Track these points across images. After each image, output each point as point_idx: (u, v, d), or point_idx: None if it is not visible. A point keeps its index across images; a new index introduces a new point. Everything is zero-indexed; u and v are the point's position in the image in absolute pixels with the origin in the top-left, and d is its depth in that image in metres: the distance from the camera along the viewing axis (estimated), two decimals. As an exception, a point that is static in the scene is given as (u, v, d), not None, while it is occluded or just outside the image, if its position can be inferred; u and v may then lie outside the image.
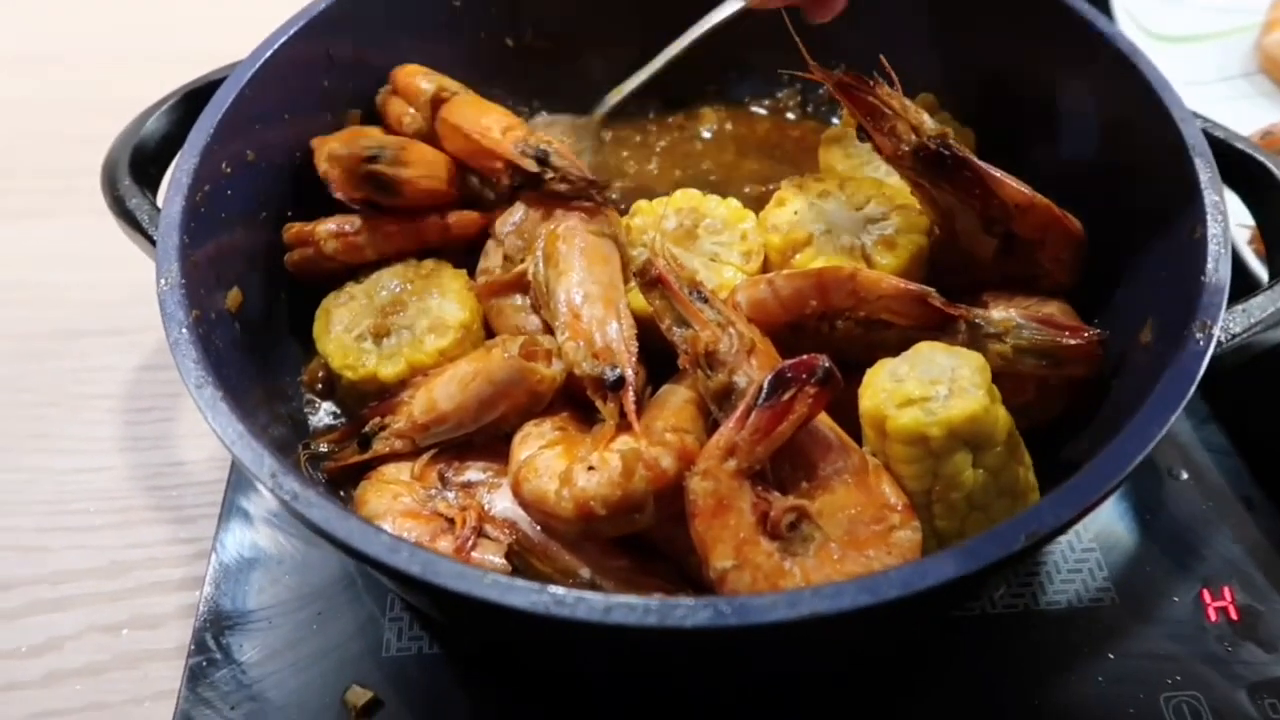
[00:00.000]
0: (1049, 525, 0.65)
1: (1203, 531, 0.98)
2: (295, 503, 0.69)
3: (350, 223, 1.06)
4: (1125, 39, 0.98)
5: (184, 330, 0.81)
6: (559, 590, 0.63)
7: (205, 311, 0.87)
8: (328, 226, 1.05)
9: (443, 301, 1.01)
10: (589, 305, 0.94)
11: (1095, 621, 0.91)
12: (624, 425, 0.86)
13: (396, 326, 0.99)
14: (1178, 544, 0.97)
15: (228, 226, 0.98)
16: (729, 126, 1.34)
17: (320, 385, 1.04)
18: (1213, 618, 0.92)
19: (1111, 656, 0.89)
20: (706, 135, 1.33)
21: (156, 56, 1.60)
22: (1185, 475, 1.02)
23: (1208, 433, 1.06)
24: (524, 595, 0.63)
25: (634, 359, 0.91)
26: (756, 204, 1.09)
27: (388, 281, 1.02)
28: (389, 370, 0.97)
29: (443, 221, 1.08)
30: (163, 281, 0.84)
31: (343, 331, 0.99)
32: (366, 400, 0.99)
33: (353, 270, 1.06)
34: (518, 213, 1.05)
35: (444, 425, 0.94)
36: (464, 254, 1.08)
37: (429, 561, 0.65)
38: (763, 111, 1.36)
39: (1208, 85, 1.36)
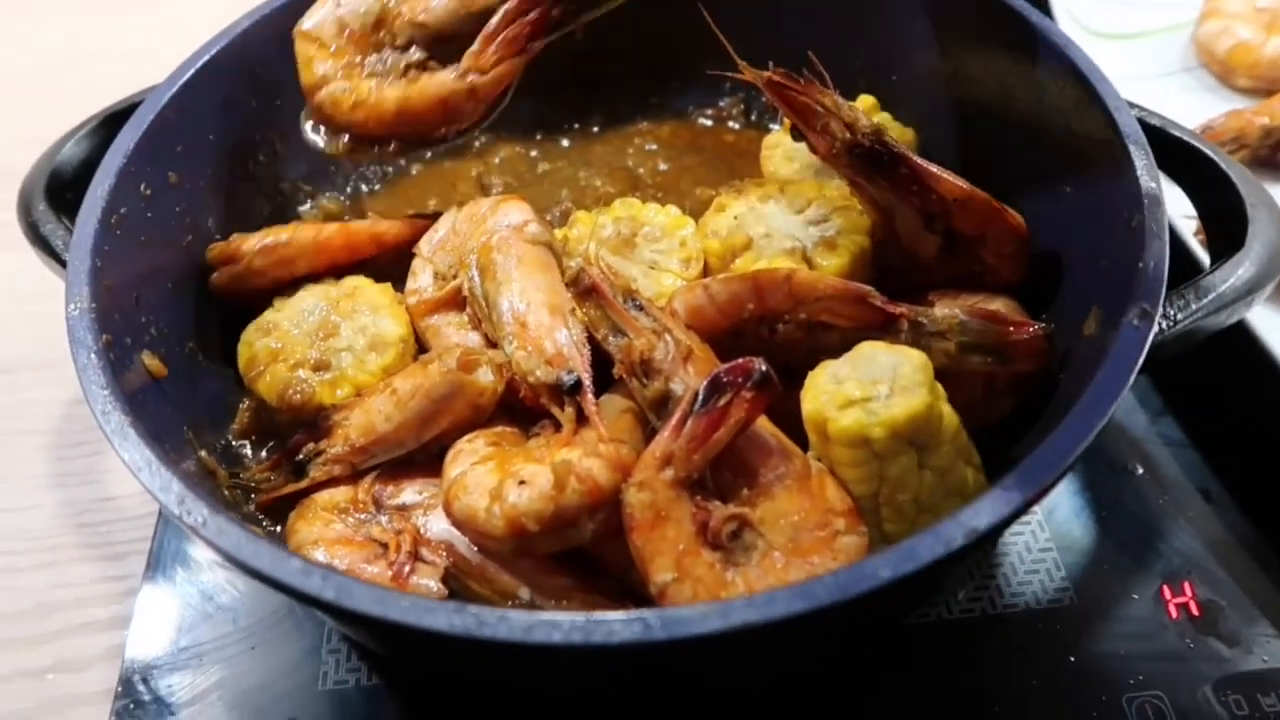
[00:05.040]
0: (988, 522, 0.62)
1: (1161, 527, 0.96)
2: (204, 529, 0.66)
3: (279, 235, 1.03)
4: (1059, 32, 0.98)
5: (92, 356, 0.78)
6: (480, 610, 0.60)
7: (119, 337, 0.83)
8: (256, 241, 1.02)
9: (376, 318, 0.98)
10: (534, 313, 0.92)
11: (1055, 623, 0.89)
12: (583, 427, 0.83)
13: (335, 350, 0.96)
14: (1136, 540, 0.95)
15: (147, 250, 0.95)
16: (674, 138, 1.33)
17: (255, 436, 0.99)
18: (1174, 614, 0.90)
19: (1072, 659, 0.87)
20: (651, 148, 1.31)
21: (77, 88, 1.56)
22: (1141, 470, 1.00)
23: (1163, 426, 1.04)
24: (444, 617, 0.60)
25: (587, 361, 0.88)
26: (704, 207, 1.07)
27: (310, 304, 0.98)
28: (335, 395, 0.94)
29: (374, 230, 1.07)
30: (72, 306, 0.81)
31: (276, 365, 0.95)
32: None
33: (282, 287, 1.03)
34: (443, 228, 1.02)
35: (383, 446, 0.90)
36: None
37: (344, 586, 0.62)
38: (707, 122, 1.34)
39: (1148, 81, 1.35)
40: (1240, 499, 0.98)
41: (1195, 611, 0.90)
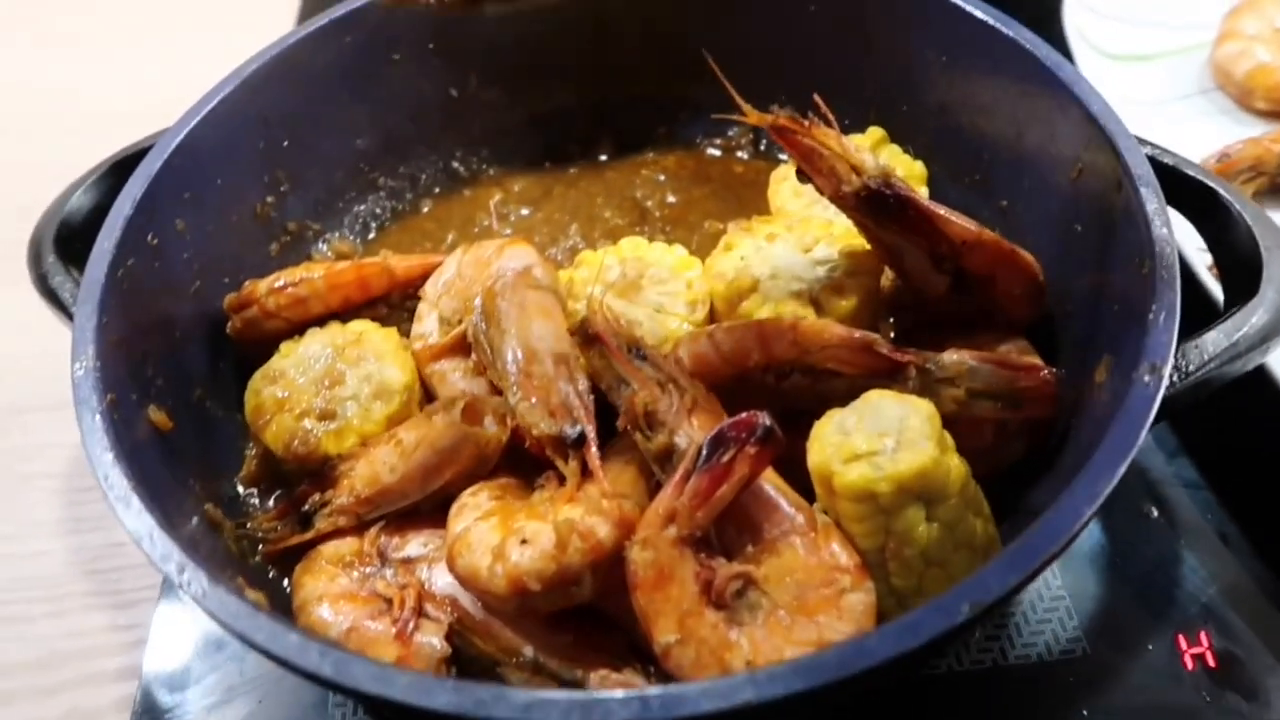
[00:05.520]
0: (993, 595, 0.61)
1: (1176, 572, 0.94)
2: (204, 600, 0.66)
3: (292, 275, 1.04)
4: (1069, 69, 0.96)
5: (96, 418, 0.78)
6: (478, 689, 0.60)
7: (124, 394, 0.84)
8: (269, 282, 1.03)
9: (381, 365, 0.97)
10: (538, 362, 0.91)
11: (1067, 675, 0.87)
12: (588, 481, 0.83)
13: (340, 400, 0.95)
14: (1151, 587, 0.93)
15: (155, 300, 0.95)
16: (682, 168, 1.32)
17: (262, 484, 0.99)
18: (1189, 665, 0.88)
19: (1085, 713, 0.85)
20: (660, 179, 1.31)
21: (93, 120, 1.57)
22: (1156, 513, 0.98)
23: (1179, 466, 1.02)
24: (442, 696, 0.60)
25: (591, 412, 0.88)
26: (713, 242, 1.06)
27: (316, 351, 0.98)
28: (340, 445, 0.94)
29: (386, 265, 1.06)
30: (77, 365, 0.81)
31: (283, 414, 0.95)
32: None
33: (298, 329, 1.03)
34: (449, 270, 1.02)
35: (388, 497, 0.90)
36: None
37: (341, 663, 0.62)
38: (716, 152, 1.33)
39: (1165, 104, 1.33)
40: (1258, 543, 0.96)
41: (1212, 663, 0.88)
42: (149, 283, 0.94)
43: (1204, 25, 1.38)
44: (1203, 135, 1.27)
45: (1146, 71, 1.37)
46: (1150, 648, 0.89)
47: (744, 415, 0.77)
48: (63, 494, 1.12)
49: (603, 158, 1.34)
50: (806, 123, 0.91)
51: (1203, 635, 0.89)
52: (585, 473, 0.83)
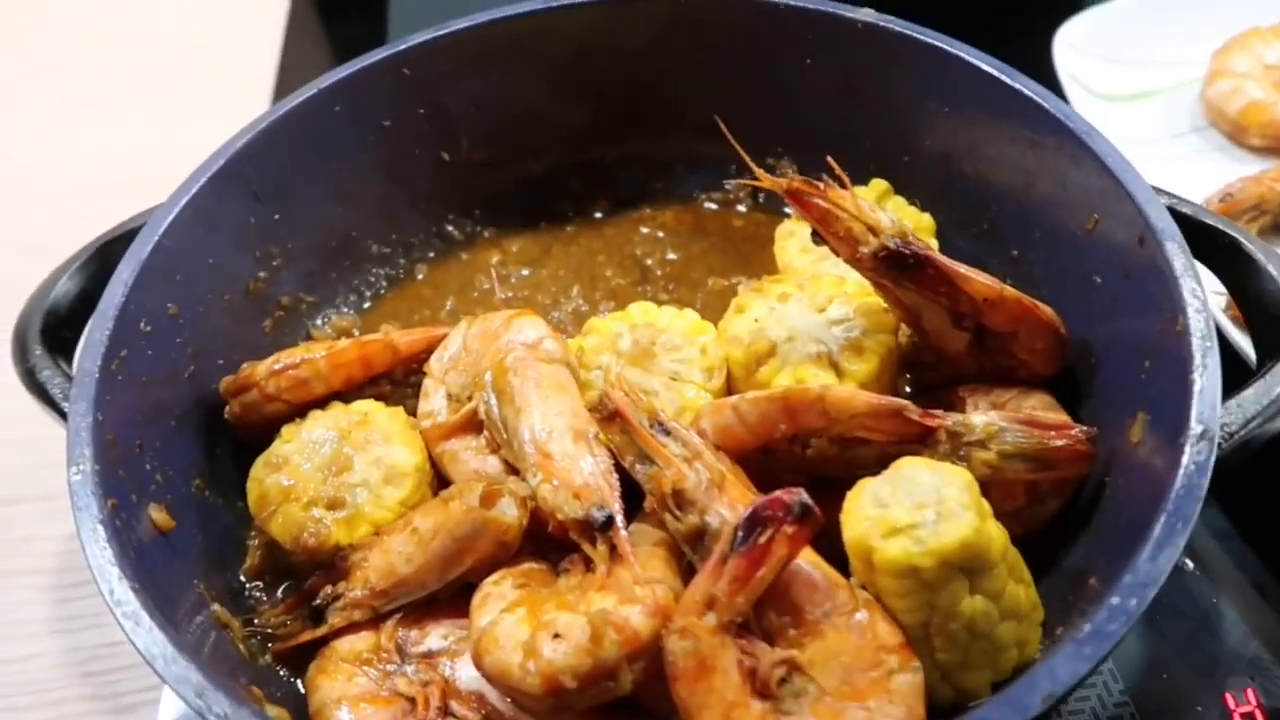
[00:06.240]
0: (1064, 685, 0.59)
1: (1217, 628, 0.92)
2: (226, 726, 0.62)
3: (292, 357, 1.00)
4: (1079, 118, 0.95)
5: (99, 526, 0.73)
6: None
7: (124, 496, 0.80)
8: (269, 365, 0.99)
9: (389, 448, 0.94)
10: (557, 440, 0.87)
11: (1117, 743, 0.85)
12: (617, 566, 0.79)
13: (349, 486, 0.91)
14: (1193, 644, 0.91)
15: (149, 390, 0.91)
16: (680, 224, 1.30)
17: (268, 577, 0.94)
18: (1241, 727, 0.86)
19: (1141, 782, 0.83)
20: (659, 235, 1.29)
21: (80, 193, 1.53)
22: (1191, 566, 0.96)
23: (1210, 515, 1.00)
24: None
25: (617, 492, 0.84)
26: (718, 299, 1.04)
27: (320, 435, 0.94)
28: (352, 535, 0.90)
29: (389, 342, 1.02)
30: (74, 470, 0.77)
31: (289, 504, 0.91)
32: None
33: (299, 412, 0.99)
34: (454, 344, 0.99)
35: (405, 589, 0.86)
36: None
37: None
38: (713, 206, 1.31)
39: (1159, 143, 1.33)
40: (1297, 593, 0.94)
41: (1262, 721, 0.86)
42: (143, 373, 0.90)
43: (1193, 62, 1.38)
44: (1199, 173, 1.27)
45: (1139, 110, 1.37)
46: (1200, 709, 0.87)
47: (778, 493, 0.74)
48: (51, 590, 1.07)
49: (598, 215, 1.32)
50: (821, 185, 0.89)
51: (1249, 693, 0.87)
52: (614, 556, 0.80)
